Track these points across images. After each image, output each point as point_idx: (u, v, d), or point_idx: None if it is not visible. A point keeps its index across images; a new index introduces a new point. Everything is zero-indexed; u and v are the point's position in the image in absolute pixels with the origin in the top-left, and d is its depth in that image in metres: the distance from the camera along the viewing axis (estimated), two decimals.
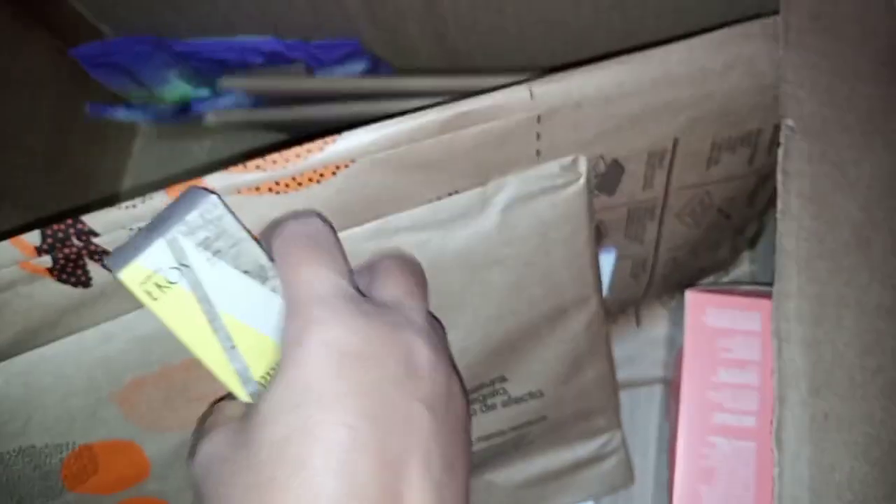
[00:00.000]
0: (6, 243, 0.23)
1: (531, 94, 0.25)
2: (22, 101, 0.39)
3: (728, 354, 0.34)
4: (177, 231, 0.22)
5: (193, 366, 0.25)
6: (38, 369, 0.26)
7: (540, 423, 0.37)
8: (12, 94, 0.38)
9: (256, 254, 0.24)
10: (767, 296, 0.34)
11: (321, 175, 0.25)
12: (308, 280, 0.23)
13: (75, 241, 0.23)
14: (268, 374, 0.24)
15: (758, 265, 0.42)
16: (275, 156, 0.24)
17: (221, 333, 0.23)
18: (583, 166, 0.29)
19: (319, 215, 0.25)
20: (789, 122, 0.27)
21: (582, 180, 0.29)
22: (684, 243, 0.37)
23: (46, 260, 0.24)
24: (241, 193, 0.24)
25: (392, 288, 0.25)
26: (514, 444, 0.38)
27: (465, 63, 0.41)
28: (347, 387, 0.21)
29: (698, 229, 0.37)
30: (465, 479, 0.24)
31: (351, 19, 0.37)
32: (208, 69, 0.41)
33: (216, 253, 0.23)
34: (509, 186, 0.28)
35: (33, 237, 0.23)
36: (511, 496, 0.41)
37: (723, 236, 0.38)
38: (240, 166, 0.24)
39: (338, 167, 0.24)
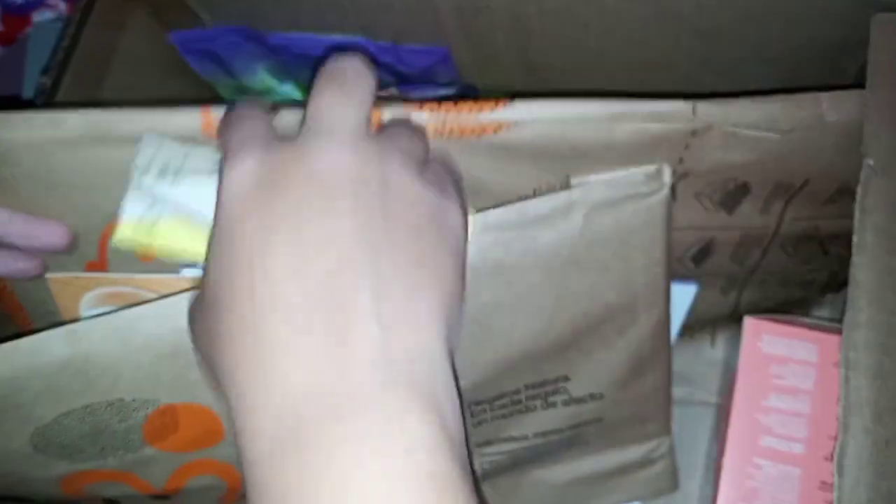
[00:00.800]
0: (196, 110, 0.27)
1: (693, 110, 0.28)
2: (121, 79, 0.41)
3: (781, 381, 0.34)
4: (137, 178, 0.25)
5: None
6: (136, 327, 0.27)
7: (596, 423, 0.38)
8: (112, 73, 0.40)
9: (206, 153, 0.26)
10: (826, 330, 0.35)
11: (482, 130, 0.28)
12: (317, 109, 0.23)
13: None
14: None
15: (839, 309, 0.42)
16: (448, 104, 0.27)
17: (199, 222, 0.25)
18: (667, 176, 0.30)
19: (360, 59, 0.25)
20: (870, 161, 0.28)
21: (665, 190, 0.30)
22: (779, 270, 0.38)
23: None
24: None
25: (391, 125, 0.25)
26: (568, 443, 0.39)
27: (542, 76, 0.42)
28: (258, 203, 0.21)
29: (796, 258, 0.38)
30: (441, 272, 0.22)
31: (441, 25, 0.39)
32: (295, 64, 0.43)
33: (176, 173, 0.25)
34: (594, 190, 0.30)
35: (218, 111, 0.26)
36: (557, 493, 0.42)
37: (818, 275, 0.39)
38: (415, 104, 0.27)
39: (500, 126, 0.27)
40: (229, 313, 0.21)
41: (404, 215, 0.22)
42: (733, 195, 0.33)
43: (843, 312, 0.30)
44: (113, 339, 0.27)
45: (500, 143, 0.28)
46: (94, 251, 0.32)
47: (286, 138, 0.23)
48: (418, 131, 0.26)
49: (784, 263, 0.38)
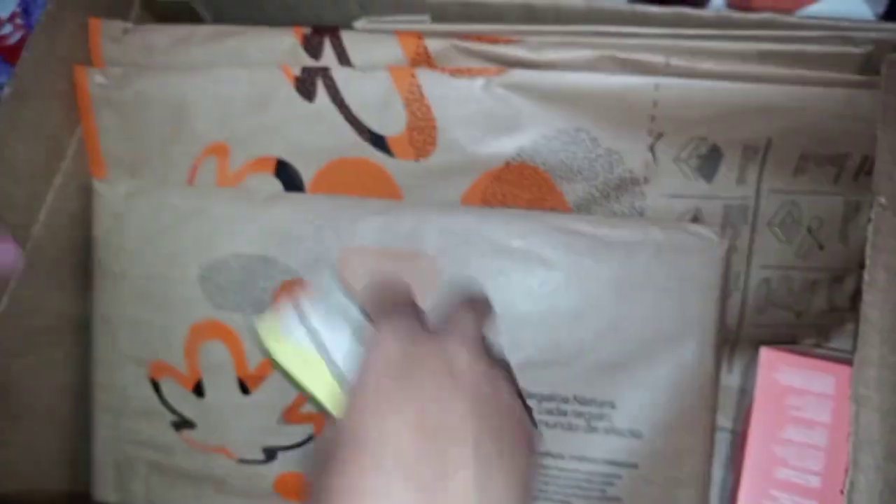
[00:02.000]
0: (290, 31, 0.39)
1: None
2: None
3: (797, 413, 0.35)
4: (304, 308, 0.31)
5: (403, 256, 0.39)
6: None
7: (630, 470, 0.38)
8: None
9: (356, 313, 0.32)
10: (842, 361, 0.35)
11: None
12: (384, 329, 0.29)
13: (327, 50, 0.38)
14: None
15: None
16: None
17: (335, 371, 0.30)
18: (727, 236, 0.38)
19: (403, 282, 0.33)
20: (882, 199, 0.29)
21: (725, 246, 0.38)
22: (777, 264, 0.40)
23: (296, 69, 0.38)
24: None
25: (451, 314, 0.31)
26: (599, 493, 0.39)
27: None
28: (395, 385, 0.27)
29: (790, 247, 0.39)
30: (519, 463, 0.27)
31: None
32: None
33: (328, 316, 0.31)
34: (667, 231, 0.37)
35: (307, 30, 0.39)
36: None
37: (819, 276, 0.40)
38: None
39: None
40: (351, 454, 0.26)
41: (504, 418, 0.28)
42: (708, 160, 0.38)
43: (854, 346, 0.30)
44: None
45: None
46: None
47: (425, 328, 0.29)
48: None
49: (779, 252, 0.39)
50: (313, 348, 0.30)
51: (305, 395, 0.32)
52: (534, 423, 0.33)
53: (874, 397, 0.27)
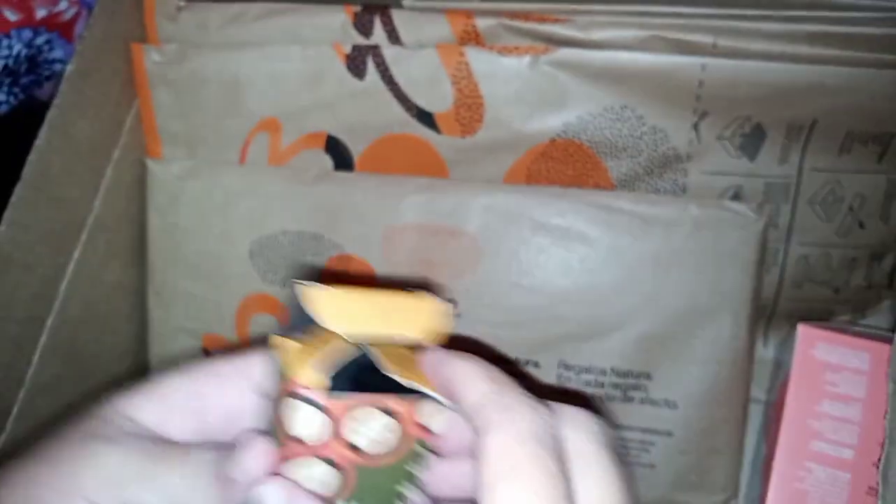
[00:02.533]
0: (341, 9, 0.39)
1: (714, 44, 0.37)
2: None
3: (833, 388, 0.36)
4: None
5: (445, 232, 0.40)
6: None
7: (666, 437, 0.40)
8: None
9: None
10: (878, 339, 0.36)
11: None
12: None
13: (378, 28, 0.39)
14: None
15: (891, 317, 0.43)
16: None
17: None
18: (766, 212, 0.39)
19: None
20: None
21: (763, 222, 0.39)
22: (816, 241, 0.40)
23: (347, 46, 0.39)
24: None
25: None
26: (634, 461, 0.41)
27: None
28: None
29: (831, 225, 0.40)
30: None
31: None
32: None
33: None
34: (705, 208, 0.38)
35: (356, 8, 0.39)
36: None
37: (858, 253, 0.40)
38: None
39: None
40: None
41: None
42: (751, 139, 0.39)
43: (893, 323, 0.31)
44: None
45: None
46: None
47: None
48: None
49: (818, 229, 0.40)
50: None
51: None
52: None
53: None
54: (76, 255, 0.40)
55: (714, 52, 0.36)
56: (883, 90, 0.36)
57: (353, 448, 0.23)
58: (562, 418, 0.23)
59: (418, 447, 0.24)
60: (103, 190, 0.42)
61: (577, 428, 0.22)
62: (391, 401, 0.23)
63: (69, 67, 0.38)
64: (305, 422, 0.22)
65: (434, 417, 0.24)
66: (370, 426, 0.23)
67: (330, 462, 0.23)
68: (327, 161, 0.41)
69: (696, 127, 0.38)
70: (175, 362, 0.43)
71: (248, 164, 0.42)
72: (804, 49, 0.36)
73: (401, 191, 0.40)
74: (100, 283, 0.42)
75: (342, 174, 0.41)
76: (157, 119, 0.42)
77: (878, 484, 0.28)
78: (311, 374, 0.22)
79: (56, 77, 0.51)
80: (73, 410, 0.26)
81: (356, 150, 0.41)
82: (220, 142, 0.42)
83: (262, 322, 0.42)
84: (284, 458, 0.23)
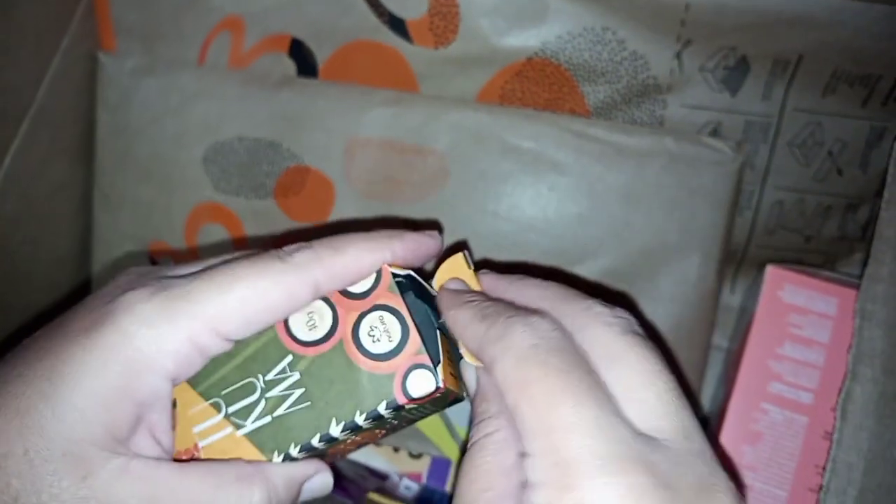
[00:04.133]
0: None
1: None
2: None
3: (797, 331, 0.35)
4: None
5: (411, 150, 0.38)
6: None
7: None
8: None
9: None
10: (848, 284, 0.35)
11: None
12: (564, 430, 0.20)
13: None
14: None
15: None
16: None
17: (455, 434, 0.37)
18: (743, 150, 0.37)
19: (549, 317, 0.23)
20: None
21: (740, 160, 0.37)
22: (792, 186, 0.39)
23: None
24: None
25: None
26: None
27: None
28: None
29: (808, 169, 0.38)
30: None
31: None
32: None
33: None
34: (680, 144, 0.37)
35: None
36: None
37: (834, 201, 0.39)
38: None
39: None
40: None
41: None
42: (734, 72, 0.37)
43: (864, 267, 0.30)
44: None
45: None
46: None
47: None
48: None
49: (796, 174, 0.39)
50: (436, 415, 0.33)
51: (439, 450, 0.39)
52: None
53: (880, 312, 0.27)
54: (14, 146, 0.37)
55: None
56: (870, 27, 0.35)
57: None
58: (576, 319, 0.22)
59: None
60: (48, 81, 0.39)
61: (592, 324, 0.22)
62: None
63: None
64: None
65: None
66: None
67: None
68: (290, 66, 0.39)
69: (678, 56, 0.37)
70: (119, 269, 0.41)
71: (207, 64, 0.40)
72: None
73: (367, 102, 0.38)
74: (41, 181, 0.40)
75: (305, 80, 0.39)
76: (112, 8, 0.40)
77: (835, 418, 0.27)
78: None
79: None
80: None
81: (322, 55, 0.39)
82: (179, 38, 0.40)
83: (212, 232, 0.40)
84: None
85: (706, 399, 0.41)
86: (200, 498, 0.21)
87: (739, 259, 0.41)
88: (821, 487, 0.26)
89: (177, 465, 0.22)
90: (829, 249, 0.41)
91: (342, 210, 0.39)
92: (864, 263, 0.34)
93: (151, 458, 0.22)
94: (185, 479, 0.22)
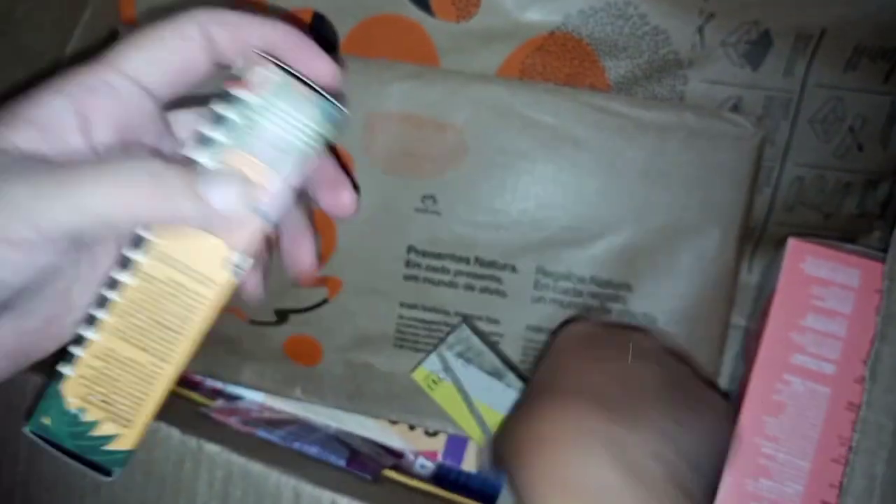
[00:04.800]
0: None
1: None
2: None
3: (819, 303, 0.35)
4: (443, 348, 0.39)
5: (430, 125, 0.38)
6: None
7: None
8: None
9: (494, 360, 0.39)
10: (870, 257, 0.35)
11: None
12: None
13: None
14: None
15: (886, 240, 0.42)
16: None
17: (475, 410, 0.38)
18: (763, 125, 0.37)
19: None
20: None
21: (761, 135, 0.37)
22: (812, 162, 0.39)
23: None
24: None
25: None
26: None
27: None
28: (586, 350, 0.35)
29: (828, 146, 0.38)
30: (708, 427, 0.32)
31: None
32: None
33: (468, 360, 0.39)
34: (700, 119, 0.37)
35: None
36: None
37: (854, 178, 0.39)
38: None
39: None
40: (550, 399, 0.31)
41: (692, 388, 0.34)
42: (756, 47, 0.37)
43: (890, 236, 0.30)
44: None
45: None
46: None
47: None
48: None
49: (816, 150, 0.39)
50: (456, 391, 0.39)
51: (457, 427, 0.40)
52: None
53: None
54: None
55: None
56: (894, 2, 0.35)
57: None
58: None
59: None
60: (69, 53, 0.39)
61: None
62: None
63: None
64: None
65: None
66: None
67: None
68: None
69: (700, 30, 0.37)
70: None
71: None
72: None
73: (387, 76, 0.38)
74: None
75: None
76: None
77: (860, 396, 0.27)
78: None
79: None
80: None
81: (343, 29, 0.39)
82: None
83: None
84: None
85: (725, 377, 0.41)
86: None
87: (758, 237, 0.41)
88: (850, 449, 0.26)
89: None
90: (848, 227, 0.41)
91: (362, 184, 0.39)
92: (890, 232, 0.34)
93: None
94: None
